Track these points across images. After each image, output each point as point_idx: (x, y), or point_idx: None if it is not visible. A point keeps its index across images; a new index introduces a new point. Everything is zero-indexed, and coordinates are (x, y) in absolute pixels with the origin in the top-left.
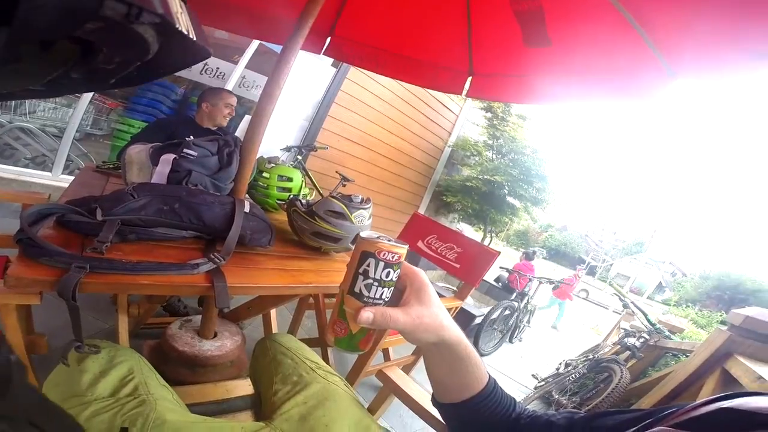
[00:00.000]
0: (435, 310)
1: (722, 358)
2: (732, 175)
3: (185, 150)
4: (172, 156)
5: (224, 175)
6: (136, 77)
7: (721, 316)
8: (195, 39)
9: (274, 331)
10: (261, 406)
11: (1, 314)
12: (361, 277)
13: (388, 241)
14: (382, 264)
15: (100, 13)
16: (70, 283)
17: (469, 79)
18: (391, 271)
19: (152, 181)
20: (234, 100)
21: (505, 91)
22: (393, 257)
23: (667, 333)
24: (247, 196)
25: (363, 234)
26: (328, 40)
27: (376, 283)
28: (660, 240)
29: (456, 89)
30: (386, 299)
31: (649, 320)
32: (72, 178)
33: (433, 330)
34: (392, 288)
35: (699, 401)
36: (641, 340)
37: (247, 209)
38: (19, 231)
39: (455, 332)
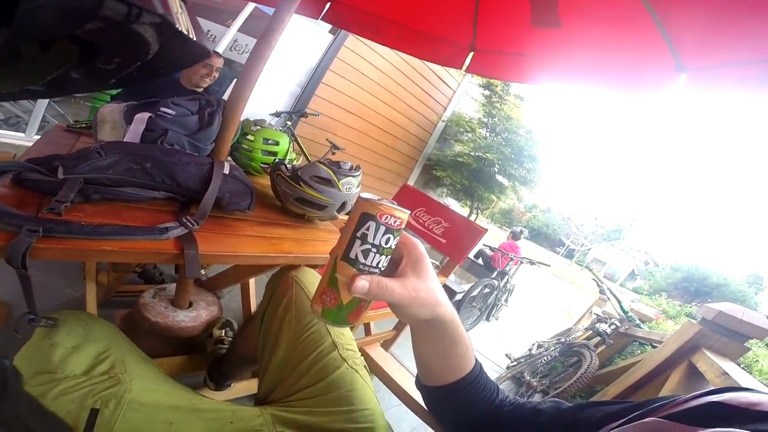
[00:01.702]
0: (431, 284)
1: (690, 351)
2: (713, 173)
3: (162, 108)
4: (147, 114)
5: (204, 136)
6: (136, 77)
7: (690, 308)
8: (195, 39)
9: (252, 303)
10: (265, 363)
11: None
12: (358, 242)
13: (391, 204)
14: (383, 228)
15: (100, 13)
16: (20, 248)
17: (471, 54)
18: (391, 237)
19: (125, 140)
20: (215, 62)
21: (506, 69)
22: (395, 222)
23: (638, 322)
24: (229, 158)
25: (364, 195)
26: (328, 5)
27: (374, 250)
28: (638, 229)
29: (456, 64)
30: (382, 269)
31: (622, 307)
32: None
33: (429, 305)
34: (389, 257)
35: (690, 395)
36: (612, 326)
37: (226, 171)
38: None
39: (450, 310)
